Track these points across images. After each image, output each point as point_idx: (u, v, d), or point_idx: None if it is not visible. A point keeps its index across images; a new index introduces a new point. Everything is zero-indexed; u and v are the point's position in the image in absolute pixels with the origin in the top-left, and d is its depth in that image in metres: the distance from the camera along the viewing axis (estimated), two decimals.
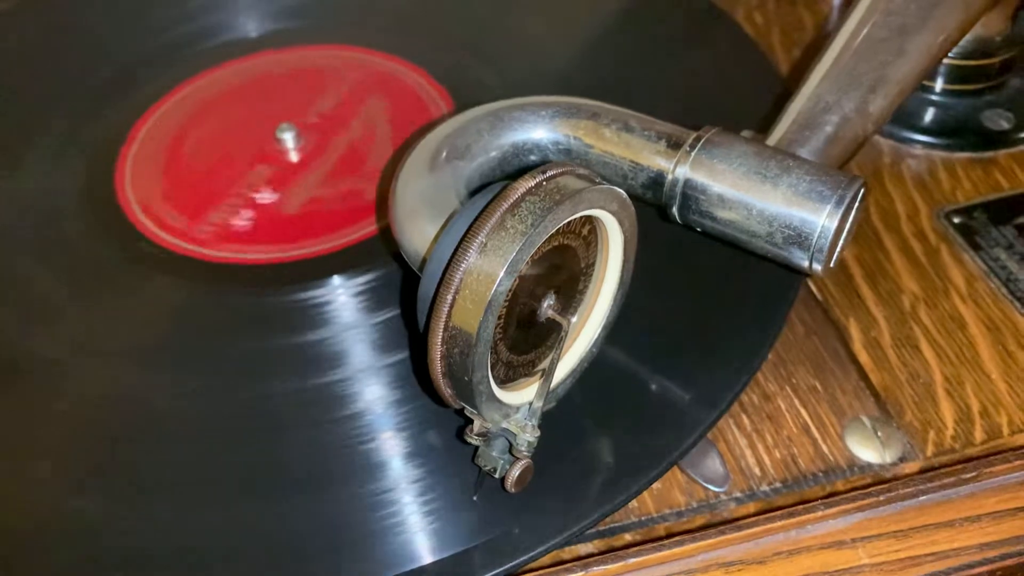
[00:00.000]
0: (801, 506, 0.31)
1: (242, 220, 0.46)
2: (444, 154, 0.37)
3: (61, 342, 0.42)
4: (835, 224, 0.34)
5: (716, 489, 0.38)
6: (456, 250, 0.30)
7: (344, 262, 0.44)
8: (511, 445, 0.34)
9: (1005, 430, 0.39)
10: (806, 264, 0.35)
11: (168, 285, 0.44)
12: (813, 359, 0.42)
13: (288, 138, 0.48)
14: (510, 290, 0.30)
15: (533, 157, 0.39)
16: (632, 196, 0.38)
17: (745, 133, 0.42)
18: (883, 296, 0.44)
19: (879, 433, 0.40)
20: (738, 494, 0.38)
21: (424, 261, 0.34)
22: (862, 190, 0.34)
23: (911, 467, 0.38)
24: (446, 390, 0.32)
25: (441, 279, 0.30)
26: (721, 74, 0.51)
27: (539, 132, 0.39)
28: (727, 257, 0.41)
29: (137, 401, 0.40)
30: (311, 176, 0.48)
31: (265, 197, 0.48)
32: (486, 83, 0.52)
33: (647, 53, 0.53)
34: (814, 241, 0.34)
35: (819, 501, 0.31)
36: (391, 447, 0.37)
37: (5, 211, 0.49)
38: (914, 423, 0.40)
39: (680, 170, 0.36)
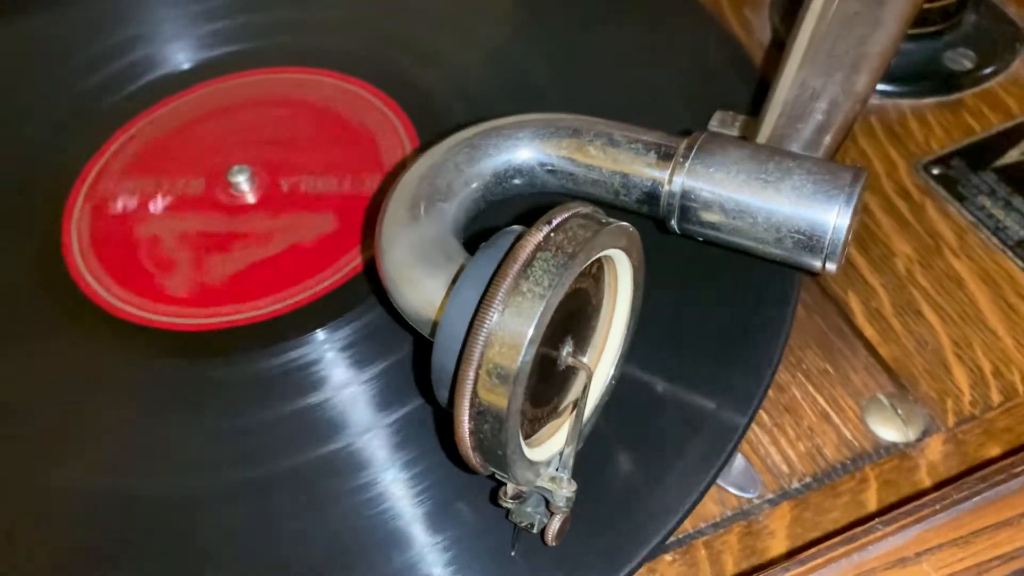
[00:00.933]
0: (859, 528, 0.30)
1: (203, 277, 0.44)
2: (424, 199, 0.35)
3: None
4: (846, 223, 0.33)
5: (748, 495, 0.37)
6: (472, 322, 0.28)
7: (322, 313, 0.41)
8: (546, 499, 0.32)
9: (1020, 388, 0.39)
10: (819, 266, 0.34)
11: (127, 357, 0.41)
12: (819, 340, 0.42)
13: (241, 180, 0.45)
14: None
15: (517, 181, 0.37)
16: (626, 211, 0.36)
17: (716, 119, 0.41)
18: (876, 262, 0.44)
19: (899, 411, 0.39)
20: (770, 495, 0.38)
21: (433, 325, 0.32)
22: (865, 181, 0.33)
23: (936, 441, 0.38)
24: (477, 463, 0.30)
25: (461, 353, 0.28)
26: (677, 49, 0.49)
27: (519, 155, 0.37)
28: (717, 259, 0.39)
29: (115, 495, 0.37)
30: (266, 220, 0.45)
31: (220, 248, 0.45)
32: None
33: (595, 38, 0.51)
34: (826, 243, 0.33)
35: (876, 521, 0.30)
36: (412, 514, 0.35)
37: None
38: (930, 394, 0.40)
39: (676, 182, 0.35)
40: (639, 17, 0.51)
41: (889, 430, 0.39)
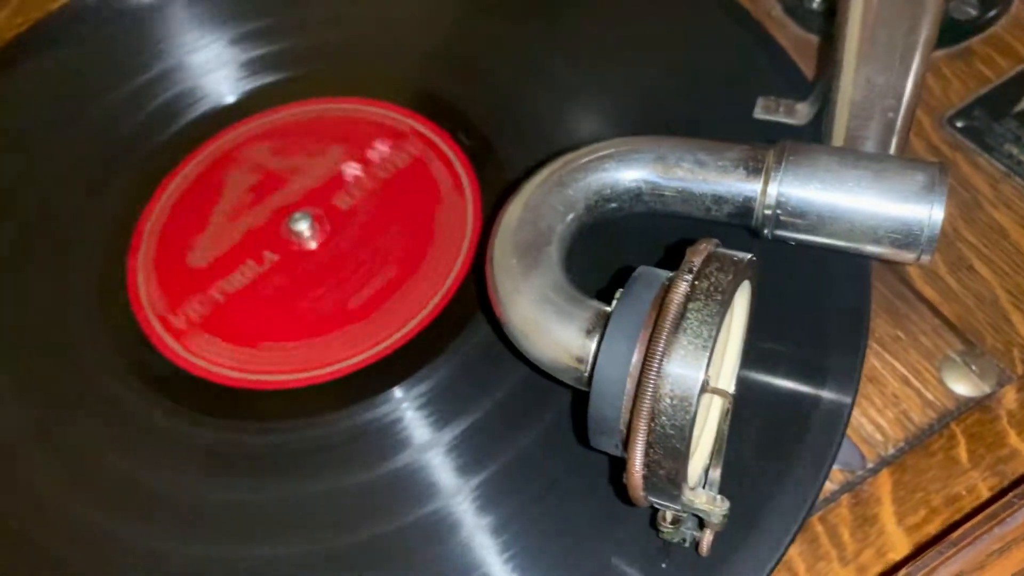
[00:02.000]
0: (998, 502, 0.33)
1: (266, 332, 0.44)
2: (531, 246, 0.36)
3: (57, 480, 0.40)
4: (940, 218, 0.35)
5: (856, 470, 0.40)
6: (641, 378, 0.30)
7: (396, 370, 0.41)
8: (699, 518, 0.35)
9: None
10: (914, 259, 0.36)
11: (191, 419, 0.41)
12: (886, 308, 0.44)
13: (303, 227, 0.45)
14: None
15: (610, 207, 0.38)
16: (715, 223, 0.38)
17: (760, 106, 0.42)
18: None
19: (973, 367, 0.42)
20: (870, 464, 0.41)
21: (569, 369, 0.34)
22: (949, 173, 0.35)
23: (1011, 391, 0.41)
24: (644, 502, 0.32)
25: (633, 408, 0.30)
26: (699, 37, 0.50)
27: (608, 185, 0.38)
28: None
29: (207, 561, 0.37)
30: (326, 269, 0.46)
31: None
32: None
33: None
34: (923, 240, 0.35)
35: (1012, 494, 0.33)
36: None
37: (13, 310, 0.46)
38: (997, 346, 0.43)
39: (770, 195, 0.36)
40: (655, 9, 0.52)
41: (966, 386, 0.42)
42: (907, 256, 0.36)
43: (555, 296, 0.35)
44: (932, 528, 0.39)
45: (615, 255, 0.41)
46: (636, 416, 0.30)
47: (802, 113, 0.45)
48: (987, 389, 0.42)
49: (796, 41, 0.53)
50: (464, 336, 0.42)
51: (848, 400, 0.38)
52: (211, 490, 0.39)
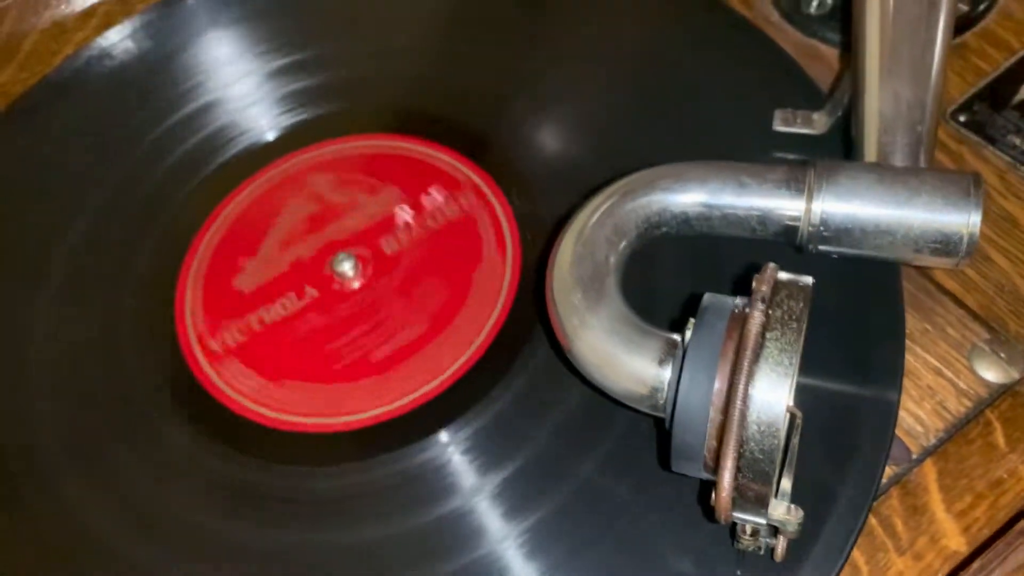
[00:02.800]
0: None
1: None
2: (591, 279, 0.37)
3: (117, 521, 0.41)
4: (978, 227, 0.37)
5: (902, 463, 0.42)
6: (728, 409, 0.31)
7: (438, 413, 0.42)
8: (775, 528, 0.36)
9: None
10: (954, 265, 0.38)
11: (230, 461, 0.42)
12: (911, 303, 0.46)
13: (346, 268, 0.46)
14: None
15: (662, 230, 0.40)
16: (760, 241, 0.39)
17: (778, 118, 0.44)
18: None
19: (1000, 354, 0.45)
20: (915, 456, 0.43)
21: (643, 398, 0.35)
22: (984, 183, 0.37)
23: None
24: (728, 520, 0.34)
25: (722, 439, 0.32)
26: (712, 49, 0.52)
27: (656, 214, 0.39)
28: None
29: None
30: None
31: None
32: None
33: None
34: (964, 248, 0.37)
35: None
36: None
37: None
38: (1020, 331, 0.45)
39: (814, 213, 0.38)
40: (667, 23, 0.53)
41: (995, 373, 0.44)
42: (947, 263, 0.38)
43: (623, 328, 0.36)
44: (979, 513, 0.41)
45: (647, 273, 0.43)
46: (726, 444, 0.31)
47: (820, 123, 0.47)
48: (1016, 375, 0.44)
49: (796, 47, 0.55)
50: (485, 402, 0.42)
51: (895, 397, 0.40)
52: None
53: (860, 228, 0.38)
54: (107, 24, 0.61)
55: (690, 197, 0.39)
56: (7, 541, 0.41)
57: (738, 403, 0.31)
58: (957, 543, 0.41)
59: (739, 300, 0.34)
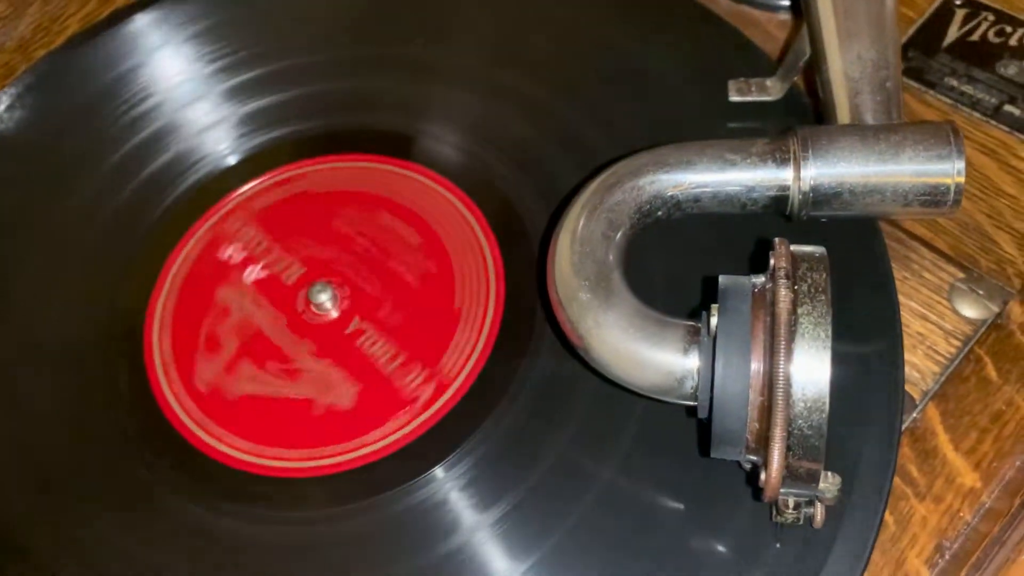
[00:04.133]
0: None
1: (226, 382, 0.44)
2: (596, 277, 0.37)
3: None
4: (963, 174, 0.37)
5: (909, 412, 0.43)
6: (771, 389, 0.31)
7: (431, 449, 0.41)
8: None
9: None
10: (943, 214, 0.39)
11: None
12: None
13: (324, 299, 0.44)
14: None
15: (657, 215, 0.39)
16: (749, 215, 0.40)
17: (733, 89, 0.44)
18: None
19: (979, 291, 0.46)
20: (918, 403, 0.44)
21: (678, 390, 0.35)
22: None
23: (1016, 306, 0.45)
24: (775, 499, 0.34)
25: (770, 420, 0.31)
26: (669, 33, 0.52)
27: (646, 199, 0.39)
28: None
29: None
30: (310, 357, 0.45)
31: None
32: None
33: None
34: (951, 197, 0.38)
35: None
36: None
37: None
38: (991, 267, 0.47)
39: (804, 180, 0.38)
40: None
41: (976, 309, 0.46)
42: (936, 213, 0.39)
43: (640, 321, 0.36)
44: (987, 447, 0.42)
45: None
46: (774, 426, 0.31)
47: (775, 89, 0.47)
48: (995, 308, 0.45)
49: (727, 14, 0.55)
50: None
51: (898, 348, 0.41)
52: None
53: (849, 190, 0.38)
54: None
55: (678, 180, 0.39)
56: None
57: (780, 383, 0.31)
58: (972, 479, 0.42)
59: (756, 279, 0.34)
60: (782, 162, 0.38)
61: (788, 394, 0.31)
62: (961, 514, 0.41)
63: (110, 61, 0.54)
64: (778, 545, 0.38)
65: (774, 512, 0.37)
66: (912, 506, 0.41)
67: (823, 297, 0.32)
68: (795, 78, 0.47)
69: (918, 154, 0.38)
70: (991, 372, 0.44)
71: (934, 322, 0.45)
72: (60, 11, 0.57)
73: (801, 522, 0.37)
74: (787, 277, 0.32)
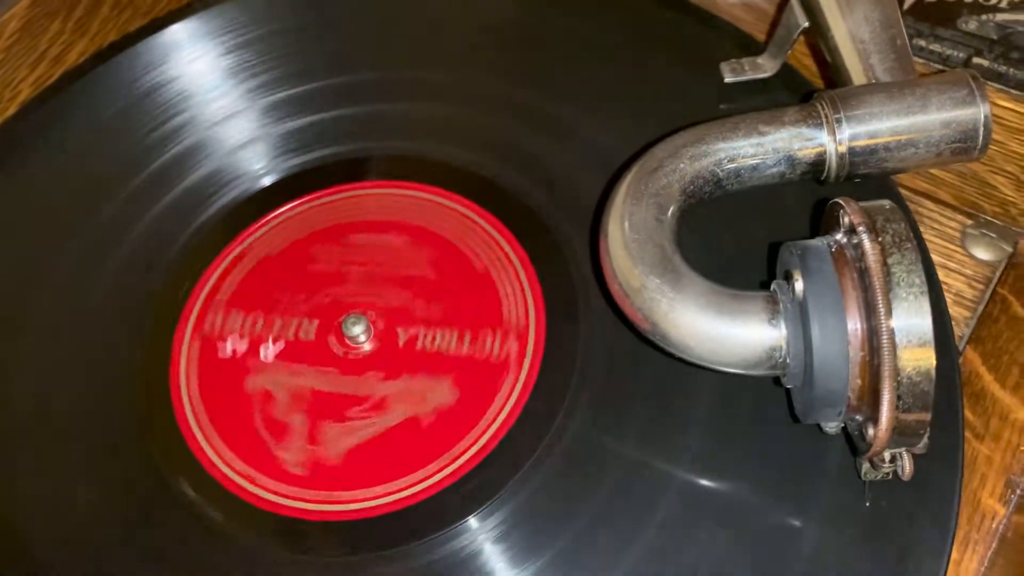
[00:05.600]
0: None
1: (319, 450, 0.41)
2: (662, 262, 0.36)
3: None
4: (990, 116, 0.39)
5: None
6: (876, 345, 0.31)
7: (466, 496, 0.39)
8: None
9: None
10: (974, 158, 0.40)
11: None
12: None
13: (358, 332, 0.43)
14: None
15: (704, 193, 0.39)
16: (788, 183, 0.40)
17: (727, 70, 0.45)
18: None
19: (991, 234, 0.47)
20: (958, 346, 0.45)
21: (769, 362, 0.35)
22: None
23: None
24: (880, 453, 0.34)
25: (879, 373, 0.32)
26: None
27: (688, 179, 0.39)
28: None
29: None
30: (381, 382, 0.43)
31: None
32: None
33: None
34: (981, 140, 0.39)
35: None
36: None
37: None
38: (995, 209, 0.48)
39: (841, 142, 0.39)
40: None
41: (991, 251, 0.47)
42: (966, 158, 0.40)
43: (715, 299, 0.35)
44: None
45: None
46: (884, 377, 0.31)
47: (769, 65, 0.48)
48: (1009, 248, 0.47)
49: None
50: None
51: (942, 303, 0.42)
52: None
53: (884, 146, 0.39)
54: None
55: (719, 157, 0.39)
56: None
57: (885, 336, 0.31)
58: None
59: (826, 240, 0.34)
60: (816, 127, 0.39)
61: (894, 344, 0.31)
62: (1022, 448, 0.42)
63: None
64: (867, 504, 0.38)
65: (864, 470, 0.37)
66: (975, 448, 0.42)
67: (909, 244, 0.32)
68: (788, 52, 0.47)
69: (944, 103, 0.39)
70: (1019, 309, 0.45)
71: (954, 269, 0.47)
72: (11, 76, 0.54)
73: (891, 477, 0.38)
74: (870, 230, 0.32)
